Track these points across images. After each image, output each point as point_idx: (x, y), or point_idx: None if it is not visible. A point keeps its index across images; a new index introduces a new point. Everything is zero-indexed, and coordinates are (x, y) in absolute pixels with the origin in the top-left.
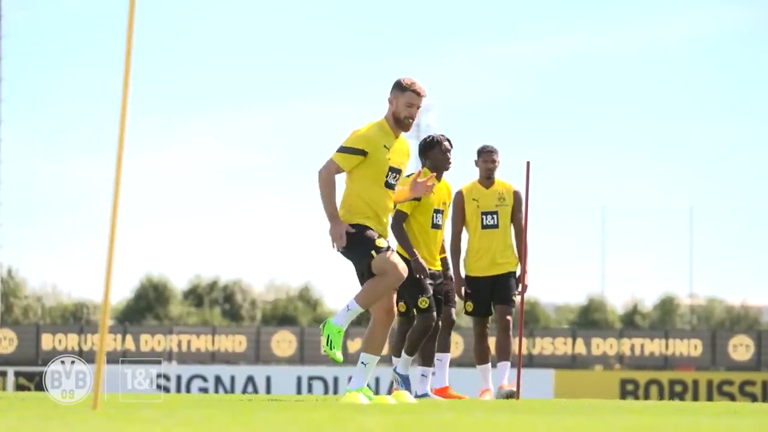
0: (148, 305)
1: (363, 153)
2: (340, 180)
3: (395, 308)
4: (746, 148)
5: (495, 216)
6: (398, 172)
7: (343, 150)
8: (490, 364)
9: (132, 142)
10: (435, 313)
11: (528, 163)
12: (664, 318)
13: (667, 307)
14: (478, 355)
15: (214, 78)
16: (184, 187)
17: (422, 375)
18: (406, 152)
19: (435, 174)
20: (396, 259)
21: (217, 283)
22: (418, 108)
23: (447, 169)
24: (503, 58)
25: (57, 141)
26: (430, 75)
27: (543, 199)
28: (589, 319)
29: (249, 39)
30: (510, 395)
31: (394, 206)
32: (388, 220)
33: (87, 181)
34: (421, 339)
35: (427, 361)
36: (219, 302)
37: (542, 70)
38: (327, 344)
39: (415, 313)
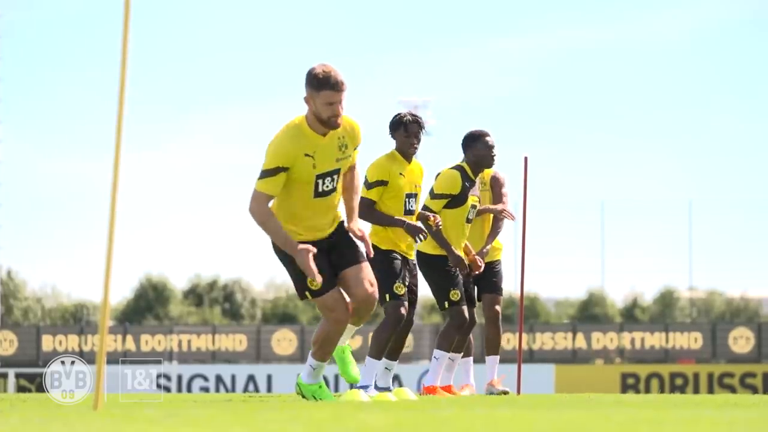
0: (148, 305)
1: (284, 169)
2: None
3: (348, 313)
4: (745, 140)
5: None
6: (334, 173)
7: (264, 175)
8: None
9: (131, 142)
10: (465, 307)
11: (526, 158)
12: (664, 311)
13: (666, 300)
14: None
15: (212, 76)
16: (183, 187)
17: (386, 368)
18: (342, 146)
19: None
20: (333, 299)
21: (216, 283)
22: (341, 101)
23: (412, 152)
24: (501, 54)
25: (56, 141)
26: (428, 70)
27: (542, 194)
28: (589, 314)
29: (249, 37)
30: (504, 394)
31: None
32: (330, 227)
33: (86, 182)
34: (455, 336)
35: (394, 354)
36: (219, 301)
37: (540, 65)
38: (313, 397)
39: (446, 307)
